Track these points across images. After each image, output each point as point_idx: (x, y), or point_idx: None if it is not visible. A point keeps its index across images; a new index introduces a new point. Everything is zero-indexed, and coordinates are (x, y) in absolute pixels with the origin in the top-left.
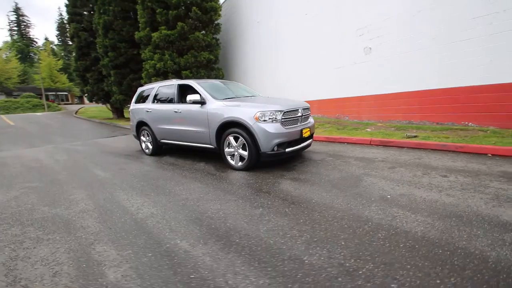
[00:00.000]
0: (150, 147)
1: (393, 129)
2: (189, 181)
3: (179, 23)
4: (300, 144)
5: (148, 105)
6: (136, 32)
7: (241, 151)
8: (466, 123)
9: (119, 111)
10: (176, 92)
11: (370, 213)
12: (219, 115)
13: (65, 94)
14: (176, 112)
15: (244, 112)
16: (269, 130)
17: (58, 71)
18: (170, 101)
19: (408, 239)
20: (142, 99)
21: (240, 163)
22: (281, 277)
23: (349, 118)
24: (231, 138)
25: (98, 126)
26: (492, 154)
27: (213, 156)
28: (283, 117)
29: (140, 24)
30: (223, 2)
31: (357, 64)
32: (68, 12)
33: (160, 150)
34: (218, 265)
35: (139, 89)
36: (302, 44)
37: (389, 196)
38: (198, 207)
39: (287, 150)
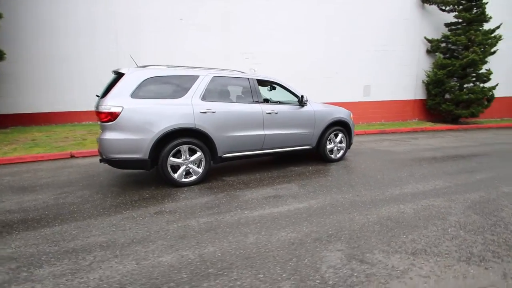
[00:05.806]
0: (199, 170)
1: None
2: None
3: None
4: None
5: (197, 102)
6: None
7: (339, 144)
8: None
9: None
10: (255, 88)
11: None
12: (327, 115)
13: None
14: (269, 113)
15: (346, 113)
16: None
17: None
18: (243, 99)
19: None
20: (161, 92)
21: (338, 155)
22: None
23: None
24: (332, 136)
25: None
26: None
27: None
28: None
29: None
30: None
31: None
32: None
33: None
34: None
35: (139, 74)
36: (175, 52)
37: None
38: None
39: None
